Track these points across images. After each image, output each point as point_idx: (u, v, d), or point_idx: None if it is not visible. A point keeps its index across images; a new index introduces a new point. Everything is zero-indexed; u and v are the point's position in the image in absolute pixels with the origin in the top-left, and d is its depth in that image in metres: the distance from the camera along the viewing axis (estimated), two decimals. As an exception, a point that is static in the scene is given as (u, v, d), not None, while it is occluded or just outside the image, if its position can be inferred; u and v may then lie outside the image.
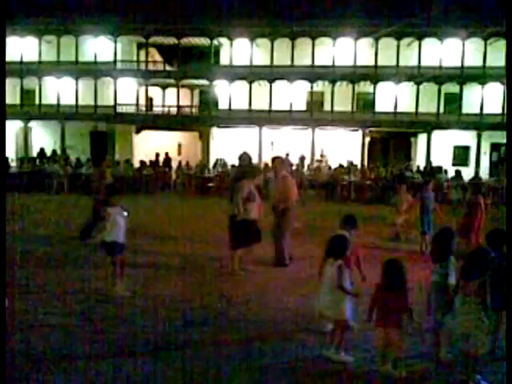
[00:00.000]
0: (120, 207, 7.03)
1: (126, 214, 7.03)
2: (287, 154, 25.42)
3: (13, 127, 35.50)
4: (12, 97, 35.65)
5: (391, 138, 34.44)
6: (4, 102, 27.61)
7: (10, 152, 32.21)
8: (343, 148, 32.16)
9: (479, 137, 31.89)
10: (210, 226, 12.32)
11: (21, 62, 35.09)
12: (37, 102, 35.63)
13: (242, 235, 8.25)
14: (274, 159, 9.59)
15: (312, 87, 33.49)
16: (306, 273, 7.80)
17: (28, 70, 35.02)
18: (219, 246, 9.63)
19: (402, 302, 4.61)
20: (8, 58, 35.28)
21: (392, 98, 32.39)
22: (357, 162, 29.37)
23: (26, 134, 35.32)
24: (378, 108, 32.75)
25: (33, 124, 35.49)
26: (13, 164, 25.84)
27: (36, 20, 34.28)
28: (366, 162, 31.56)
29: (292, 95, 33.24)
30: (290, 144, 31.36)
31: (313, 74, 32.97)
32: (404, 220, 11.45)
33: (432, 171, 23.13)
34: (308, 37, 32.80)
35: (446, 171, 23.36)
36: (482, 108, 31.56)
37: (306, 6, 32.29)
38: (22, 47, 35.23)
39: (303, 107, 34.29)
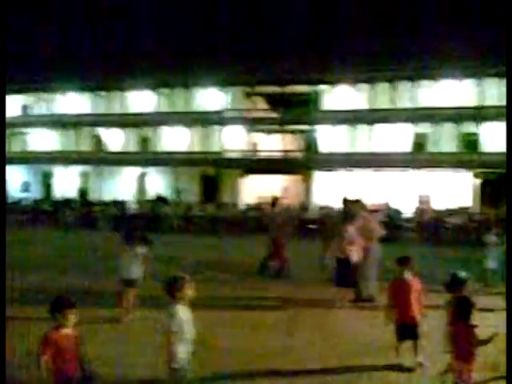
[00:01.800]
0: None
1: None
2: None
3: (132, 173, 38.87)
4: (131, 145, 39.16)
5: (502, 179, 33.15)
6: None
7: (130, 196, 35.19)
8: (449, 190, 31.53)
9: None
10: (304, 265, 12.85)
11: (139, 114, 38.56)
12: (153, 149, 38.79)
13: (343, 275, 8.80)
14: (349, 201, 10.03)
15: (415, 129, 33.46)
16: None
17: (145, 120, 38.35)
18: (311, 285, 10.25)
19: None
20: (128, 110, 39.09)
21: (500, 138, 31.44)
22: (465, 204, 28.64)
23: (143, 178, 38.45)
24: (485, 148, 31.94)
25: (149, 170, 38.52)
26: (132, 206, 28.23)
27: (152, 75, 37.62)
28: (476, 204, 30.63)
29: (394, 137, 33.39)
30: (391, 186, 31.34)
31: (415, 115, 32.99)
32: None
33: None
34: (409, 79, 33.04)
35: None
36: None
37: (406, 48, 32.64)
38: (140, 100, 38.72)
39: (406, 149, 34.20)
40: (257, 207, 26.28)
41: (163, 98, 38.75)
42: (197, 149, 37.18)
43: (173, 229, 23.61)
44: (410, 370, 5.77)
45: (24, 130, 43.03)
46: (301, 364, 5.99)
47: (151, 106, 38.83)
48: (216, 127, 37.29)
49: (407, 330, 5.89)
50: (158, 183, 37.78)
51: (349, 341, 6.91)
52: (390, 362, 5.98)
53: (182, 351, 4.26)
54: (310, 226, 22.86)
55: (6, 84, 41.27)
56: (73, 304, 4.03)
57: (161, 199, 28.07)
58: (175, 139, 38.00)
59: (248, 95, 38.23)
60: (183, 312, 4.32)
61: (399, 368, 5.82)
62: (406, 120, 33.20)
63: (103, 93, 40.06)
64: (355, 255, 8.93)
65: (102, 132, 40.72)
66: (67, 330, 3.98)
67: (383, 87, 33.85)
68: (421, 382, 5.57)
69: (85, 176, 41.35)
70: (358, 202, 10.19)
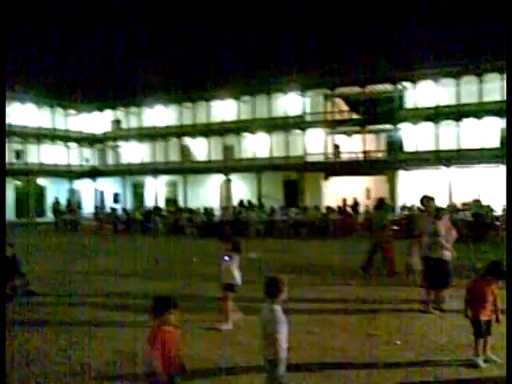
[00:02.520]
0: None
1: None
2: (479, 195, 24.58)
3: (217, 180, 40.12)
4: (215, 153, 40.38)
5: None
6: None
7: (215, 202, 36.29)
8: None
9: None
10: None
11: (222, 122, 39.73)
12: (236, 156, 39.79)
13: (434, 277, 8.58)
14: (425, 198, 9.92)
15: (504, 123, 31.97)
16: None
17: (228, 128, 39.46)
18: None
19: None
20: (212, 120, 40.40)
21: None
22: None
23: (227, 185, 39.53)
24: None
25: (233, 176, 39.53)
26: (217, 213, 29.10)
27: (234, 84, 38.67)
28: None
29: (482, 133, 32.10)
30: (481, 184, 30.16)
31: (503, 109, 31.53)
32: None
33: None
34: (496, 72, 31.64)
35: None
36: None
37: (493, 40, 31.37)
38: (223, 109, 39.86)
39: (495, 144, 32.76)
40: (338, 210, 26.26)
41: (244, 105, 39.64)
42: (278, 154, 37.68)
43: (258, 233, 24.13)
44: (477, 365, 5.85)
45: (116, 143, 45.61)
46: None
47: (233, 113, 39.86)
48: (297, 131, 37.61)
49: (483, 327, 5.96)
50: (241, 189, 38.66)
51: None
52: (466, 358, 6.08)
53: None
54: (394, 227, 22.56)
55: (100, 101, 44.28)
56: (176, 304, 4.33)
57: (243, 205, 28.71)
58: (257, 145, 38.74)
59: (328, 97, 38.26)
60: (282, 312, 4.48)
61: (475, 365, 5.89)
62: (494, 114, 31.82)
63: (188, 104, 41.62)
64: (448, 254, 8.69)
65: (189, 141, 42.31)
66: (171, 328, 4.28)
67: (469, 80, 32.65)
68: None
69: (173, 185, 43.14)
70: (433, 199, 10.02)
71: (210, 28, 46.73)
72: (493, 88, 31.63)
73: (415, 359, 6.21)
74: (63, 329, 7.63)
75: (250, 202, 29.58)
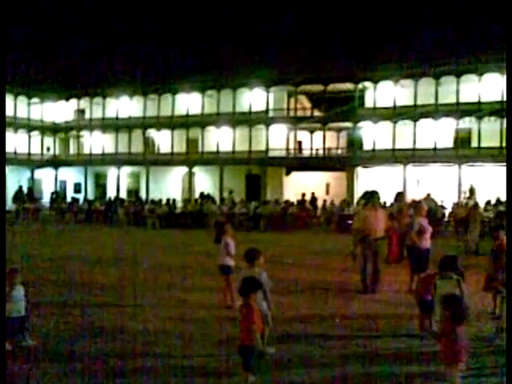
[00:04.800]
0: None
1: None
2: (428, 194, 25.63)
3: (180, 172, 40.43)
4: (179, 146, 40.64)
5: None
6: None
7: (177, 194, 36.61)
8: (493, 185, 31.29)
9: None
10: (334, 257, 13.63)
11: (187, 115, 39.99)
12: (200, 149, 40.15)
13: (417, 262, 9.38)
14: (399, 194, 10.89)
15: (458, 124, 33.36)
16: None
17: (193, 121, 39.75)
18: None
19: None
20: (176, 113, 40.58)
21: (547, 130, 31.01)
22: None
23: (190, 178, 39.86)
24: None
25: (196, 169, 39.90)
26: (178, 205, 29.48)
27: (199, 78, 38.93)
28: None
29: (437, 133, 33.38)
30: (435, 182, 31.40)
31: (458, 110, 32.90)
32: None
33: None
34: (453, 75, 32.93)
35: None
36: None
37: (450, 44, 32.63)
38: (188, 102, 40.11)
39: (449, 144, 34.11)
40: (298, 204, 27.03)
41: (209, 99, 39.97)
42: (242, 148, 38.23)
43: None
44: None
45: (79, 133, 45.27)
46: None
47: (198, 107, 40.16)
48: (260, 126, 38.20)
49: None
50: (204, 182, 39.05)
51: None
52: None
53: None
54: (350, 221, 23.45)
55: (65, 90, 43.88)
56: (260, 285, 5.07)
57: (205, 197, 29.15)
58: (221, 139, 39.18)
59: (291, 94, 38.98)
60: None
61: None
62: (450, 115, 33.12)
63: (153, 95, 41.68)
64: (427, 243, 9.52)
65: (153, 133, 42.39)
66: (257, 307, 4.91)
67: (427, 82, 33.86)
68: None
69: (135, 176, 43.22)
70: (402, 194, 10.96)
71: (176, 20, 46.81)
72: (449, 90, 32.93)
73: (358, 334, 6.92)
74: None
75: (208, 195, 29.98)
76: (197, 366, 5.61)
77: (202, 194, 30.48)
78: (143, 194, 39.08)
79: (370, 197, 10.27)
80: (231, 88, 38.78)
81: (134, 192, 41.05)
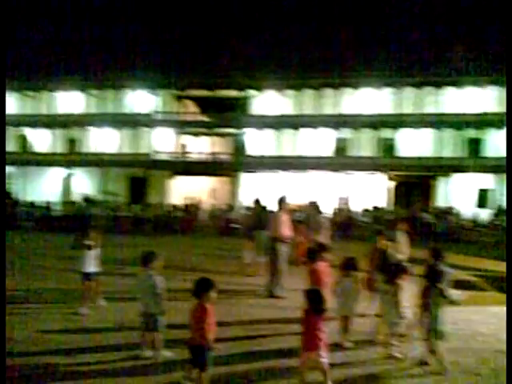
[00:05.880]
0: None
1: None
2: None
3: (59, 174, 38.46)
4: (58, 146, 38.74)
5: (414, 182, 35.55)
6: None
7: (56, 196, 34.82)
8: (368, 191, 33.46)
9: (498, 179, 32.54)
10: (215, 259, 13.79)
11: (66, 115, 38.22)
12: (80, 150, 38.55)
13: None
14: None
15: (337, 134, 35.25)
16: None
17: (73, 121, 38.06)
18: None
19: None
20: (54, 111, 38.66)
21: (413, 143, 33.84)
22: (380, 204, 30.56)
23: (69, 180, 38.09)
24: (401, 153, 34.18)
25: (77, 171, 38.24)
26: (57, 207, 28.09)
27: (81, 76, 37.42)
28: (390, 205, 32.69)
29: (318, 142, 35.02)
30: (317, 188, 32.85)
31: (338, 121, 34.75)
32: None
33: (443, 212, 24.18)
34: (333, 87, 34.75)
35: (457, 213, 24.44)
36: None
37: (331, 58, 34.35)
38: (68, 101, 38.39)
39: (330, 153, 35.90)
40: (183, 208, 26.93)
41: (92, 98, 38.60)
42: (126, 150, 37.32)
43: (99, 229, 23.68)
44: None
45: None
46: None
47: (80, 106, 38.57)
48: (145, 129, 37.56)
49: None
50: (84, 184, 37.54)
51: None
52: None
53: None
54: (234, 225, 23.85)
55: None
56: (215, 284, 4.89)
57: (87, 200, 28.04)
58: (104, 140, 37.94)
59: (178, 98, 38.79)
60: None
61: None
62: (329, 125, 34.89)
63: (30, 92, 39.37)
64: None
65: (29, 132, 40.00)
66: (211, 306, 4.81)
67: (309, 93, 35.41)
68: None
69: (9, 177, 40.43)
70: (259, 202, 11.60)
71: (65, 15, 44.65)
72: (328, 102, 34.76)
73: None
74: None
75: (88, 199, 28.91)
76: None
77: (85, 198, 29.26)
78: (20, 196, 36.60)
79: (281, 201, 10.75)
80: (115, 88, 37.74)
81: (7, 193, 38.29)
